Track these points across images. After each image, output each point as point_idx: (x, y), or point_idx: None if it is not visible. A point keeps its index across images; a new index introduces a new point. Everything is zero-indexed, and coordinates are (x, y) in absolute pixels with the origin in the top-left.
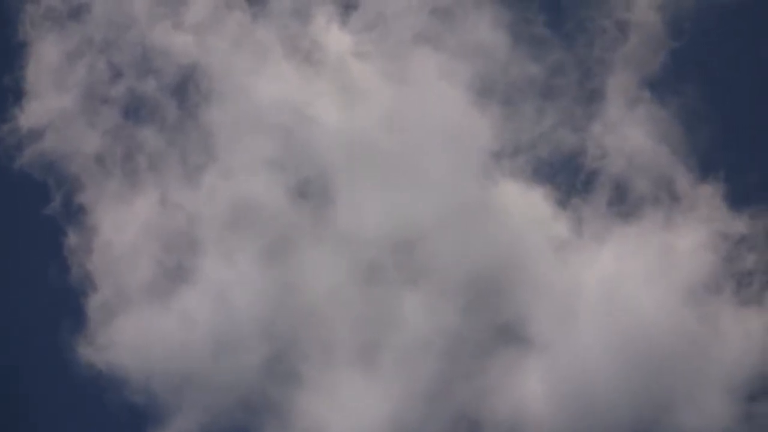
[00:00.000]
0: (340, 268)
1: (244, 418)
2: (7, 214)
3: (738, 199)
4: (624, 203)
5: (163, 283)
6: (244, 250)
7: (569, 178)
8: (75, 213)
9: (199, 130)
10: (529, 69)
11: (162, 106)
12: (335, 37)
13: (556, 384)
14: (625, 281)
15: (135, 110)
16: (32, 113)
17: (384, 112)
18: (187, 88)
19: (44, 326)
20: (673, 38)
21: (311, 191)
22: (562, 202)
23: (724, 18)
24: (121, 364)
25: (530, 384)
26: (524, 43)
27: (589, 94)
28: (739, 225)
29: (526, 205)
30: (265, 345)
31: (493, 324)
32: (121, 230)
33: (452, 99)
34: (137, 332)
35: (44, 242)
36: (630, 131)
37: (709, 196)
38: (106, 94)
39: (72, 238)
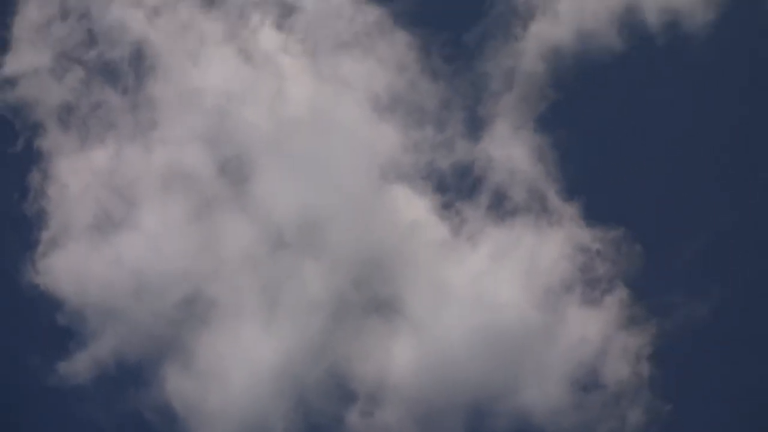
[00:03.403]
0: (253, 234)
1: (154, 351)
2: None
3: (594, 217)
4: (500, 208)
5: (103, 225)
6: (174, 207)
7: (457, 183)
8: (37, 154)
9: (146, 99)
10: (431, 91)
11: (119, 74)
12: (269, 35)
13: (420, 355)
14: (493, 277)
15: (98, 74)
16: (13, 63)
17: (303, 110)
18: (140, 61)
19: None
20: (555, 89)
21: (235, 167)
22: (447, 205)
23: (599, 72)
24: (58, 289)
25: (399, 352)
26: (430, 72)
27: (482, 118)
28: (593, 239)
29: (415, 206)
30: (181, 290)
31: (376, 298)
32: (75, 175)
33: (363, 106)
34: (76, 264)
35: (7, 176)
36: (514, 151)
37: (571, 212)
38: (77, 55)
39: (33, 175)
